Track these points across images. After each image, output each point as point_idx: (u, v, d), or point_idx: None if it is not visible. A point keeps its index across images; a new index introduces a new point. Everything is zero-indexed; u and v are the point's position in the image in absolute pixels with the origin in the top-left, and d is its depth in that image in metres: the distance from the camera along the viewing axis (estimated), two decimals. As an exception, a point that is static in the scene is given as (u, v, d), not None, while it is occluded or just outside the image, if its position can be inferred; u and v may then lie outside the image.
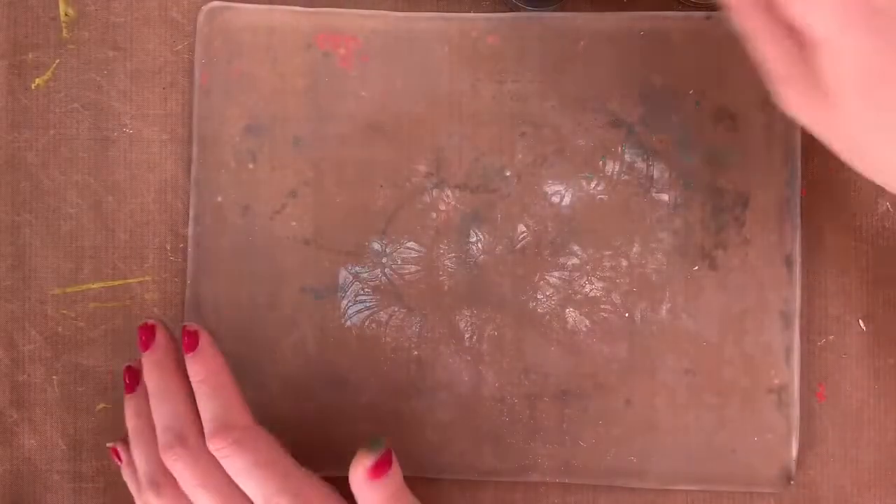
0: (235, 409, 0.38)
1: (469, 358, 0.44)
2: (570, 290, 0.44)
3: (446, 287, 0.44)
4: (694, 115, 0.44)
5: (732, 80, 0.44)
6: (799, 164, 0.43)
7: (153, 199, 0.45)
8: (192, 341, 0.38)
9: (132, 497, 0.44)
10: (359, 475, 0.36)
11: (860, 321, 0.44)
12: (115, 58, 0.45)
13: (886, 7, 0.28)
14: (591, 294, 0.44)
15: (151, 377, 0.39)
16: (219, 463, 0.37)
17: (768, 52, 0.31)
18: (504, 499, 0.44)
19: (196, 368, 0.38)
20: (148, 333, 0.40)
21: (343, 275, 0.44)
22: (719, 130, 0.44)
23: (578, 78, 0.44)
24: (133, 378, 0.40)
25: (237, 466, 0.36)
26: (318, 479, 0.38)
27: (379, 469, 0.36)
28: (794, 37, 0.30)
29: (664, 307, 0.43)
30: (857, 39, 0.28)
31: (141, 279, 0.45)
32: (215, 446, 0.36)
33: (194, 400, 0.38)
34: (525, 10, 0.44)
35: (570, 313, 0.44)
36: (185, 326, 0.39)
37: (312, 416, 0.43)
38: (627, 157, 0.44)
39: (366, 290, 0.44)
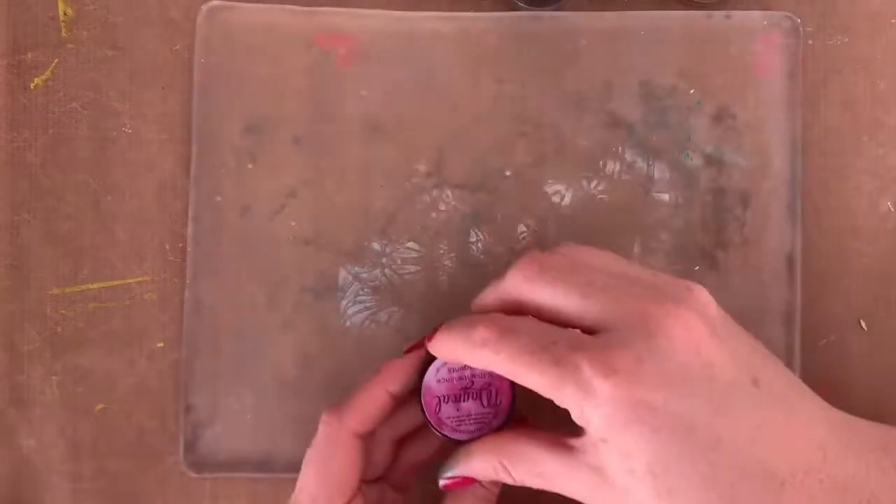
0: None
1: (469, 358, 0.44)
2: (571, 291, 0.44)
3: (446, 287, 0.44)
4: (695, 114, 0.44)
5: (733, 80, 0.44)
6: (799, 164, 0.43)
7: (152, 199, 0.45)
8: None
9: (131, 498, 0.44)
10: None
11: (860, 321, 0.44)
12: (114, 57, 0.45)
13: (661, 405, 0.30)
14: (592, 294, 0.43)
15: None
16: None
17: None
18: (504, 498, 0.44)
19: None
20: None
21: (343, 275, 0.44)
22: (720, 130, 0.44)
23: (578, 77, 0.44)
24: None
25: None
26: None
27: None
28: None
29: (664, 307, 0.43)
30: (636, 439, 0.30)
31: (140, 279, 0.45)
32: None
33: None
34: (525, 9, 0.44)
35: (571, 313, 0.43)
36: None
37: (313, 416, 0.43)
38: (628, 157, 0.44)
39: (365, 290, 0.44)
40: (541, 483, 0.34)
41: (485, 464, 0.35)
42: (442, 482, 0.36)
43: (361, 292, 0.44)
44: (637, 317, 0.31)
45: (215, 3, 0.44)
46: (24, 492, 0.44)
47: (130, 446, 0.44)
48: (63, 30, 0.45)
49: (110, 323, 0.44)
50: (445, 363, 0.37)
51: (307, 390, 0.44)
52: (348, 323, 0.44)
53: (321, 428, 0.37)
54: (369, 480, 0.39)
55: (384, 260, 0.44)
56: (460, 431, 0.37)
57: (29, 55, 0.45)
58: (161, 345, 0.44)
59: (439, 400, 0.37)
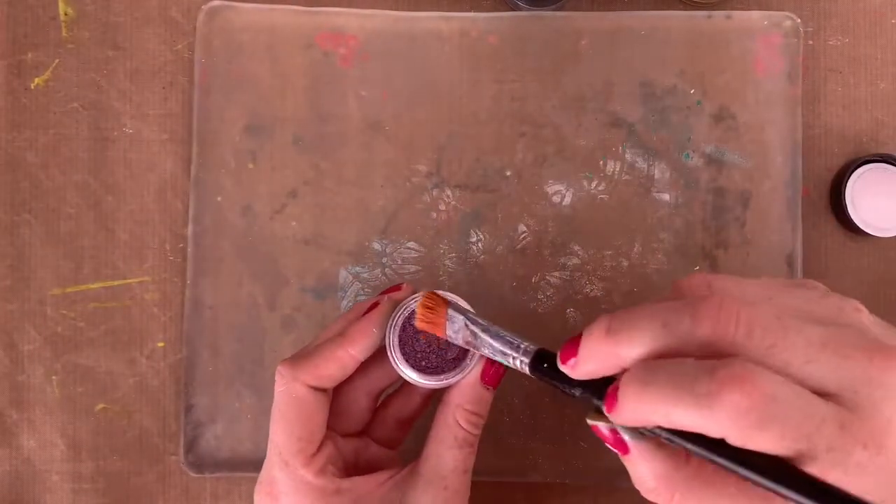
0: None
1: (469, 358, 0.44)
2: (571, 290, 0.44)
3: (446, 287, 0.44)
4: (695, 114, 0.44)
5: (733, 80, 0.44)
6: (800, 164, 0.43)
7: (153, 199, 0.45)
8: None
9: (131, 497, 0.44)
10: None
11: (860, 321, 0.44)
12: (114, 57, 0.45)
13: None
14: (592, 294, 0.43)
15: None
16: None
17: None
18: (504, 499, 0.44)
19: None
20: None
21: (343, 275, 0.44)
22: (720, 130, 0.44)
23: (579, 77, 0.44)
24: None
25: None
26: None
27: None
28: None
29: (665, 307, 0.43)
30: None
31: (140, 279, 0.45)
32: None
33: None
34: (525, 9, 0.44)
35: (571, 313, 0.43)
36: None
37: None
38: (628, 157, 0.44)
39: (366, 290, 0.44)
40: None
41: (652, 475, 0.29)
42: (592, 422, 0.30)
43: (362, 292, 0.44)
44: (867, 376, 0.27)
45: (216, 3, 0.44)
46: (25, 491, 0.44)
47: (131, 446, 0.44)
48: (64, 30, 0.45)
49: (111, 323, 0.44)
50: (411, 309, 0.35)
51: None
52: (348, 323, 0.44)
53: (277, 379, 0.36)
54: (349, 434, 0.38)
55: (384, 260, 0.44)
56: (433, 374, 0.35)
57: (29, 55, 0.45)
58: (161, 345, 0.44)
59: (405, 349, 0.36)
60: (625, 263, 0.43)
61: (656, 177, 0.44)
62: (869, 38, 0.44)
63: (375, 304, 0.36)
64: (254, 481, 0.44)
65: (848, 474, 0.26)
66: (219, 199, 0.44)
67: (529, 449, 0.43)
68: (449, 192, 0.44)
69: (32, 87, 0.45)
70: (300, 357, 0.36)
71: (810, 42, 0.44)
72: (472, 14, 0.44)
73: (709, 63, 0.44)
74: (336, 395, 0.37)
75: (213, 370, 0.44)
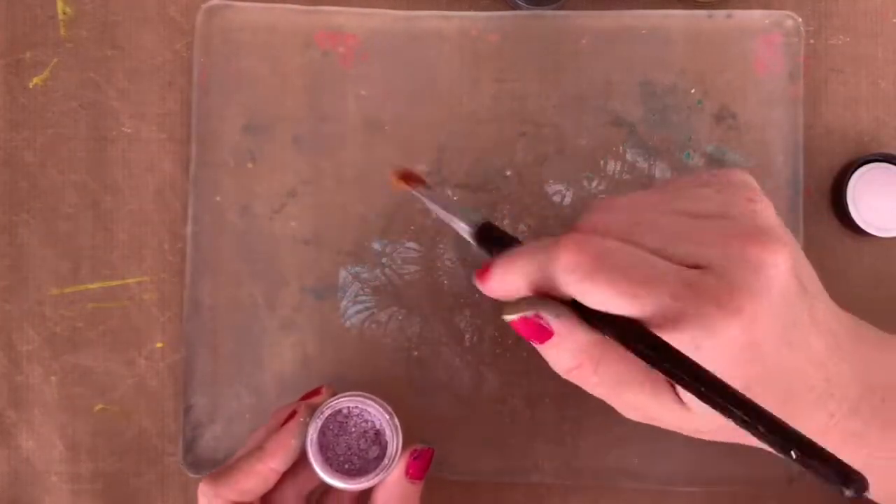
0: None
1: (469, 358, 0.43)
2: (571, 291, 0.43)
3: (446, 287, 0.44)
4: (695, 114, 0.44)
5: (734, 79, 0.43)
6: (801, 163, 0.43)
7: (152, 199, 0.45)
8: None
9: (131, 498, 0.44)
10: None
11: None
12: (113, 57, 0.45)
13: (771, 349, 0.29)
14: (592, 294, 0.43)
15: None
16: None
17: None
18: (505, 499, 0.44)
19: None
20: None
21: (343, 275, 0.44)
22: (721, 130, 0.43)
23: (579, 77, 0.44)
24: None
25: None
26: None
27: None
28: None
29: (665, 307, 0.43)
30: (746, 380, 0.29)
31: (139, 279, 0.44)
32: None
33: None
34: (525, 9, 0.44)
35: (571, 313, 0.43)
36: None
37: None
38: (629, 157, 0.44)
39: (366, 290, 0.44)
40: (635, 413, 0.32)
41: (573, 352, 0.31)
42: (510, 318, 0.31)
43: (362, 292, 0.44)
44: (739, 255, 0.29)
45: (215, 2, 0.44)
46: (24, 492, 0.44)
47: (129, 447, 0.44)
48: (62, 29, 0.45)
49: (109, 323, 0.44)
50: (327, 415, 0.37)
51: (307, 391, 0.43)
52: (348, 323, 0.44)
53: (199, 498, 0.36)
54: None
55: (384, 260, 0.44)
56: (357, 476, 0.37)
57: (28, 54, 0.45)
58: (160, 345, 0.44)
59: (327, 454, 0.37)
60: (625, 263, 0.43)
61: (657, 176, 0.44)
62: (870, 37, 0.44)
63: (294, 413, 0.37)
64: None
65: (702, 332, 0.28)
66: (218, 198, 0.44)
67: (530, 450, 0.43)
68: (449, 192, 0.44)
69: (31, 87, 0.45)
70: (220, 474, 0.36)
71: (811, 41, 0.44)
72: (471, 13, 0.44)
73: (709, 62, 0.44)
74: (266, 500, 0.37)
75: (212, 371, 0.43)
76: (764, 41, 0.43)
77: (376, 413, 0.37)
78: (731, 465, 0.43)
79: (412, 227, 0.44)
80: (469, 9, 0.44)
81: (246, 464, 0.36)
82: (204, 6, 0.44)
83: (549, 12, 0.44)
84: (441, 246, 0.44)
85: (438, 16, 0.44)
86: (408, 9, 0.44)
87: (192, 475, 0.43)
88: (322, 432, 0.37)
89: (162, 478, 0.44)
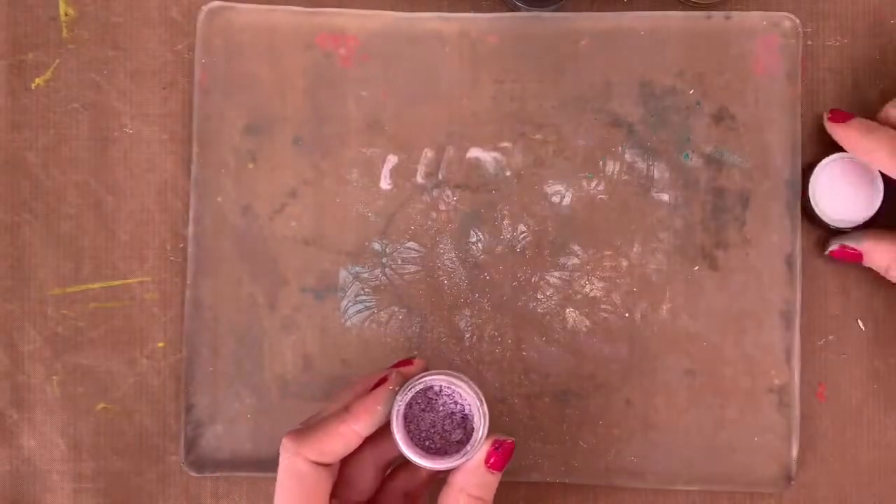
0: None
1: (469, 358, 0.44)
2: (571, 290, 0.44)
3: (446, 287, 0.44)
4: (694, 114, 0.44)
5: (733, 80, 0.44)
6: (799, 164, 0.43)
7: (153, 199, 0.45)
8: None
9: (132, 497, 0.44)
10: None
11: (860, 321, 0.44)
12: (114, 57, 0.45)
13: None
14: (592, 294, 0.44)
15: None
16: None
17: None
18: (505, 498, 0.44)
19: None
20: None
21: (343, 275, 0.44)
22: (720, 130, 0.44)
23: (578, 78, 0.44)
24: None
25: None
26: None
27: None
28: None
29: (664, 307, 0.43)
30: None
31: (141, 279, 0.45)
32: None
33: None
34: (525, 9, 0.44)
35: (571, 313, 0.44)
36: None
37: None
38: (628, 157, 0.44)
39: (366, 290, 0.44)
40: None
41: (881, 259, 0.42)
42: (833, 248, 0.43)
43: (362, 292, 0.44)
44: None
45: (216, 3, 0.44)
46: (25, 491, 0.44)
47: (131, 446, 0.44)
48: (64, 30, 0.45)
49: (111, 323, 0.45)
50: (417, 389, 0.36)
51: (307, 390, 0.44)
52: (349, 323, 0.44)
53: (281, 452, 0.36)
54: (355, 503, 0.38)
55: (384, 260, 0.44)
56: (436, 455, 0.36)
57: (30, 55, 0.45)
58: (161, 345, 0.44)
59: (409, 427, 0.36)
60: (624, 263, 0.44)
61: (656, 177, 0.44)
62: (868, 38, 0.44)
63: (384, 379, 0.36)
64: (254, 481, 0.45)
65: None
66: (219, 199, 0.44)
67: (530, 449, 0.43)
68: (449, 192, 0.44)
69: (33, 88, 0.45)
70: (304, 433, 0.35)
71: (809, 42, 0.44)
72: (471, 14, 0.44)
73: (708, 63, 0.44)
74: (343, 464, 0.37)
75: (213, 370, 0.44)
76: (762, 42, 0.44)
77: (468, 396, 0.36)
78: (731, 465, 0.43)
79: (412, 227, 0.44)
80: (469, 10, 0.44)
81: (331, 424, 0.35)
82: (205, 7, 0.44)
83: (549, 14, 0.44)
84: (441, 246, 0.44)
85: (438, 17, 0.44)
86: (408, 10, 0.44)
87: (192, 474, 0.44)
88: (409, 405, 0.36)
89: (163, 477, 0.44)
